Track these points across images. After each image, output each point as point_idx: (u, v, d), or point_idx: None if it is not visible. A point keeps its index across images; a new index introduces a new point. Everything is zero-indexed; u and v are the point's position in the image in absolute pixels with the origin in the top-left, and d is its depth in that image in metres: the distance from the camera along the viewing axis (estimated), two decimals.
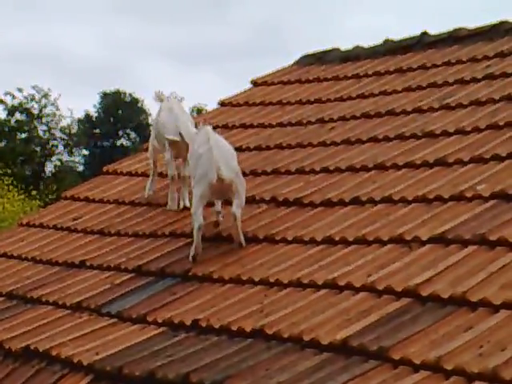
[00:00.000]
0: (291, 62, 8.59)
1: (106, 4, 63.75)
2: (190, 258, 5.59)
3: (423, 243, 4.68)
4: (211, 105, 37.54)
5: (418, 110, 6.51)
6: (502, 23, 7.33)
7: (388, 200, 5.35)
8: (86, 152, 46.61)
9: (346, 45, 8.26)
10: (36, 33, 61.77)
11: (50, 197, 26.55)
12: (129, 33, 64.90)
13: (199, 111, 43.72)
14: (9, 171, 26.34)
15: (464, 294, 4.02)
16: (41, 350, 5.12)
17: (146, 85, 68.74)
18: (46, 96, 40.12)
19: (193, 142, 5.98)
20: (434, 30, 7.75)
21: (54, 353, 5.03)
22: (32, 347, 5.20)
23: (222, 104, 8.22)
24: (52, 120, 40.94)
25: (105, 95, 48.00)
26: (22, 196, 24.72)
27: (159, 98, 6.79)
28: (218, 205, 5.96)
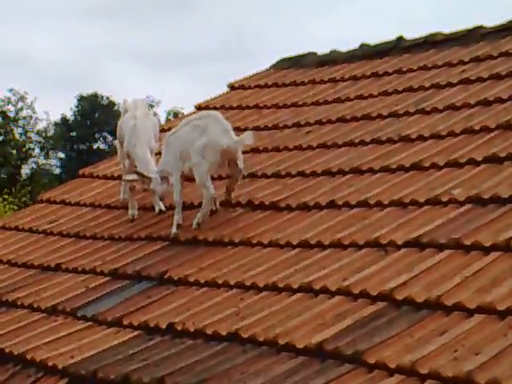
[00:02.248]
0: (261, 66, 8.60)
1: (71, 8, 63.68)
2: (195, 224, 5.84)
3: (399, 247, 4.68)
4: (188, 108, 37.56)
5: (394, 115, 6.53)
6: (477, 28, 7.37)
7: (364, 204, 5.35)
8: (62, 155, 46.39)
9: (306, 50, 8.34)
10: (1, 36, 61.53)
11: (23, 199, 26.35)
12: (97, 37, 64.81)
13: (176, 115, 43.63)
14: None
15: (439, 298, 4.03)
16: (15, 354, 5.08)
17: (117, 88, 68.75)
18: (22, 99, 39.91)
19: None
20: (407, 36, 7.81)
21: (28, 356, 4.99)
22: (7, 350, 5.16)
23: (199, 107, 8.19)
24: (28, 123, 40.72)
25: (82, 98, 47.81)
26: None
27: (125, 108, 6.89)
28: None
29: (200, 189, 5.94)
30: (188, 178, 6.23)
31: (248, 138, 5.96)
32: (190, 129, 6.03)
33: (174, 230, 5.96)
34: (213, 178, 6.09)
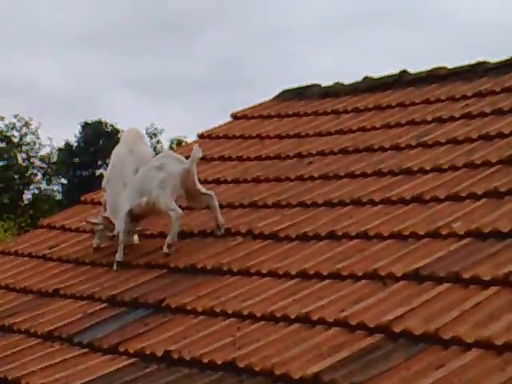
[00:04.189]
0: (258, 95, 8.66)
1: (70, 36, 64.26)
2: (166, 247, 5.98)
3: (397, 279, 4.68)
4: (191, 137, 37.62)
5: (396, 147, 6.55)
6: (481, 63, 7.41)
7: (364, 235, 5.35)
8: (64, 181, 46.46)
9: (304, 81, 8.42)
10: (5, 64, 62.05)
11: (23, 224, 26.35)
12: (95, 65, 65.33)
13: (179, 143, 43.74)
14: None
15: (437, 331, 4.02)
16: (10, 379, 5.06)
17: (119, 116, 69.12)
18: (26, 125, 40.09)
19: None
20: (395, 70, 7.88)
21: (23, 382, 4.97)
22: (1, 375, 5.14)
23: (201, 136, 8.23)
24: (32, 149, 40.87)
25: (86, 125, 47.98)
26: None
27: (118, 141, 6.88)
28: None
29: (167, 214, 6.08)
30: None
31: (196, 152, 6.17)
32: (147, 170, 6.29)
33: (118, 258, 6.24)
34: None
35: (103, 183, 6.65)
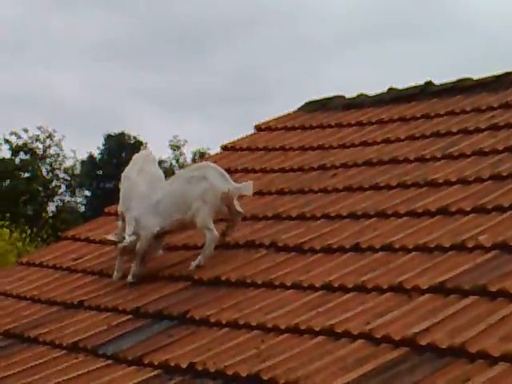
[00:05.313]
0: (276, 108, 8.68)
1: (85, 48, 64.61)
2: (194, 266, 5.93)
3: (423, 292, 4.66)
4: (214, 149, 37.68)
5: (421, 159, 6.54)
6: (507, 74, 7.39)
7: (388, 248, 5.34)
8: (87, 193, 46.67)
9: (323, 93, 8.41)
10: (19, 77, 62.45)
11: (44, 236, 26.47)
12: (112, 77, 65.56)
13: (202, 155, 43.83)
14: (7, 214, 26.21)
15: (463, 344, 4.00)
16: None
17: (140, 128, 69.28)
18: (50, 137, 40.33)
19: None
20: (411, 83, 7.87)
21: None
22: None
23: (225, 148, 8.25)
24: (55, 161, 41.10)
25: (109, 137, 48.21)
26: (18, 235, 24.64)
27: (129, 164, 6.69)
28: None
29: (202, 231, 6.03)
30: None
31: (247, 189, 6.13)
32: (186, 181, 6.15)
33: (129, 278, 6.13)
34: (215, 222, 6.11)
35: (119, 208, 6.54)
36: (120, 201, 6.58)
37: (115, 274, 6.41)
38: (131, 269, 6.23)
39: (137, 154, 6.81)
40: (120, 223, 6.62)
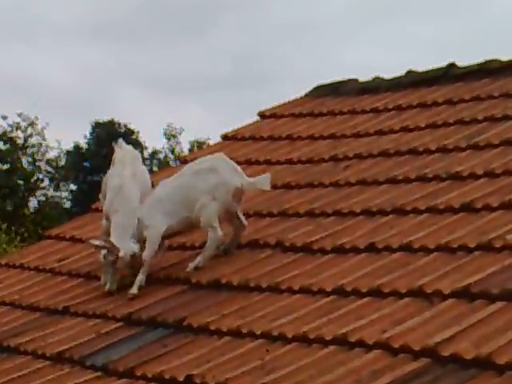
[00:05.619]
0: (283, 93, 8.68)
1: (73, 27, 64.21)
2: (193, 268, 5.92)
3: (445, 297, 4.67)
4: (213, 138, 37.67)
5: (443, 150, 6.53)
6: None
7: (407, 248, 5.34)
8: (73, 187, 46.74)
9: (333, 77, 8.38)
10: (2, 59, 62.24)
11: (25, 235, 26.52)
12: (102, 59, 65.22)
13: (200, 144, 43.86)
14: None
15: (490, 355, 4.00)
16: None
17: (131, 115, 69.28)
18: (32, 125, 40.36)
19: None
20: (428, 65, 7.85)
21: None
22: None
23: (226, 137, 8.25)
24: (38, 151, 41.14)
25: (97, 125, 48.26)
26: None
27: (113, 158, 6.65)
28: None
29: (205, 230, 6.01)
30: None
31: (264, 183, 6.08)
32: (193, 174, 6.11)
33: (134, 290, 6.01)
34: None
35: (106, 207, 6.51)
36: (107, 201, 6.49)
37: (109, 285, 6.26)
38: (137, 279, 6.07)
39: (121, 152, 6.71)
40: (104, 222, 6.56)
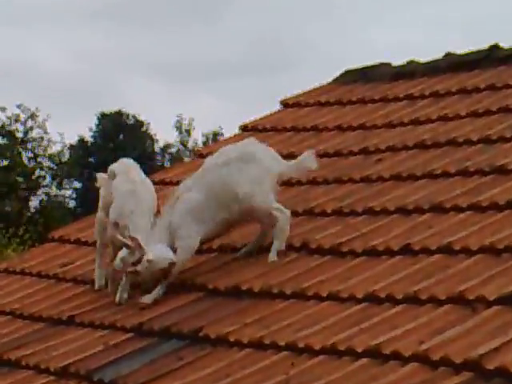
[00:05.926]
0: (307, 79, 8.67)
1: (74, 9, 64.17)
2: (273, 255, 5.89)
3: (489, 304, 4.66)
4: (229, 130, 37.73)
5: (486, 140, 6.52)
6: None
7: (446, 250, 5.34)
8: (77, 185, 46.92)
9: (363, 61, 8.38)
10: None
11: (25, 237, 26.64)
12: (106, 44, 65.28)
13: (215, 135, 43.93)
14: None
15: None
16: None
17: (138, 104, 69.39)
18: (32, 117, 40.56)
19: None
20: (469, 47, 7.82)
21: None
22: None
23: (245, 128, 8.26)
24: (39, 145, 41.35)
25: (103, 117, 48.39)
26: None
27: (113, 173, 6.66)
28: None
29: (269, 216, 5.97)
30: None
31: (309, 161, 6.07)
32: (222, 166, 6.04)
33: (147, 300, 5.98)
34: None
35: (114, 215, 6.39)
36: (117, 206, 6.43)
37: (119, 295, 6.23)
38: (156, 289, 6.04)
39: (121, 165, 6.71)
40: (101, 215, 6.61)
